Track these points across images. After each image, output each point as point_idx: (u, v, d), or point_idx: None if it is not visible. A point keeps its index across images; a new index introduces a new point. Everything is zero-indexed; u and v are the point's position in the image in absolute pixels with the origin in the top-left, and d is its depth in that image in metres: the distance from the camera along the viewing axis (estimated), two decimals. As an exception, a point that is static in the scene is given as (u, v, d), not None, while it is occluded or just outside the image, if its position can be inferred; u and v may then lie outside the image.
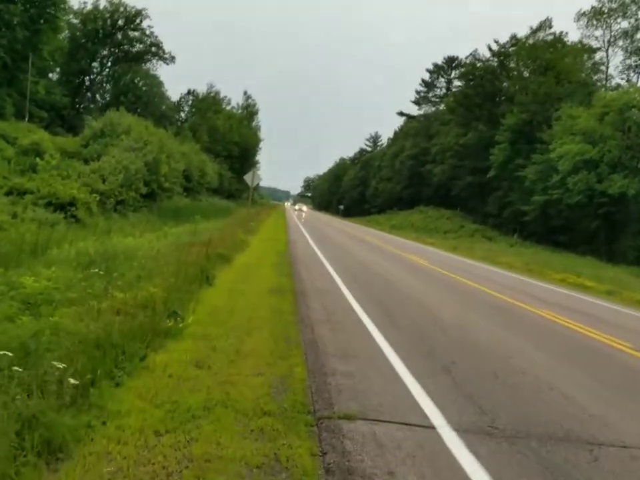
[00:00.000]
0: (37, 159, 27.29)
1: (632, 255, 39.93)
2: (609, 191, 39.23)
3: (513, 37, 62.11)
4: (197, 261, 10.95)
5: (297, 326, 7.49)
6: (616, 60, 51.38)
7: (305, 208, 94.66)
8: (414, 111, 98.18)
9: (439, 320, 9.21)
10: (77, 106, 66.29)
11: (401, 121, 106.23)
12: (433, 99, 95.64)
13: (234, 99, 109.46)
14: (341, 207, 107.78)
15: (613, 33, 49.52)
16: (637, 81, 46.71)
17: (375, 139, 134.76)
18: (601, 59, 52.99)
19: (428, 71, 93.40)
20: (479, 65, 65.11)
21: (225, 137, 76.60)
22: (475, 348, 7.54)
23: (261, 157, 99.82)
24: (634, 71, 48.92)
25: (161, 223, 28.93)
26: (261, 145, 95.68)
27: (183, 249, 13.68)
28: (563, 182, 43.30)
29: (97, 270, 8.27)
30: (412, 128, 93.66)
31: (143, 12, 68.56)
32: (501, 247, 42.73)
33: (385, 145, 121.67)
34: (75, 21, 66.00)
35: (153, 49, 71.90)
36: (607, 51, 50.66)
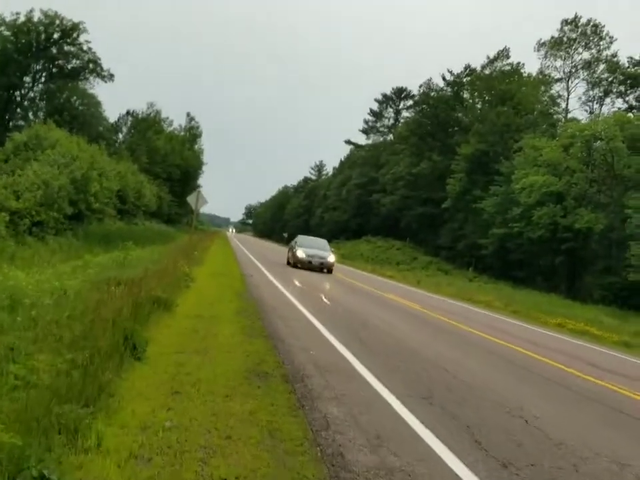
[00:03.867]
0: None
1: (597, 294, 37.86)
2: (575, 225, 37.22)
3: (468, 67, 60.99)
4: (120, 313, 6.94)
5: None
6: (578, 91, 50.38)
7: (331, 258, 28.74)
8: (361, 140, 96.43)
9: (538, 432, 5.41)
10: (7, 123, 60.86)
11: (346, 149, 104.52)
12: (382, 129, 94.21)
13: (176, 120, 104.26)
14: (285, 235, 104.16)
15: (574, 64, 48.55)
16: (600, 112, 45.49)
17: (319, 168, 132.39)
18: (557, 92, 52.06)
19: (376, 100, 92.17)
20: (432, 94, 63.47)
21: (166, 158, 72.00)
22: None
23: (203, 180, 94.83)
24: (597, 102, 47.93)
25: (87, 250, 24.75)
26: (204, 168, 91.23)
27: (104, 288, 9.68)
28: (524, 215, 41.34)
29: None
30: (359, 157, 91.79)
31: (81, 26, 63.99)
32: (463, 282, 39.94)
33: (329, 173, 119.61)
34: (7, 33, 60.77)
35: (91, 65, 67.32)
36: (567, 81, 49.61)
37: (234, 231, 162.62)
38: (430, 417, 5.42)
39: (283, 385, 5.73)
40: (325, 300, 15.04)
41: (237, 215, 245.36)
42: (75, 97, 65.84)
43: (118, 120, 77.66)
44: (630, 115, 40.97)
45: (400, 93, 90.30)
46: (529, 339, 14.17)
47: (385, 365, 7.72)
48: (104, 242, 28.29)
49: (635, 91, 44.46)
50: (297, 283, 19.77)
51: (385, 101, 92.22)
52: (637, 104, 44.39)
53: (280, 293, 15.53)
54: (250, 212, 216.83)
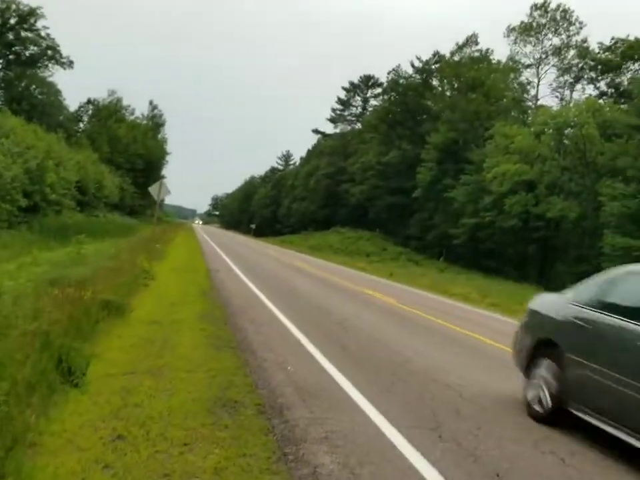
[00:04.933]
0: None
1: (570, 283, 37.59)
2: (547, 214, 36.82)
3: (436, 54, 60.22)
4: (57, 325, 5.71)
5: None
6: (548, 77, 49.85)
7: None
8: (329, 129, 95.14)
9: (573, 472, 4.38)
10: (-37, 113, 57.89)
11: (314, 139, 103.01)
12: (350, 118, 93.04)
13: (138, 108, 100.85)
14: (253, 226, 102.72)
15: (544, 50, 48.08)
16: (571, 99, 45.17)
17: (286, 158, 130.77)
18: (527, 79, 51.59)
19: (344, 89, 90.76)
20: (401, 81, 62.58)
21: (128, 148, 69.74)
22: None
23: (168, 171, 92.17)
24: (568, 89, 47.60)
25: (42, 244, 23.31)
26: (168, 158, 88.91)
27: (47, 291, 8.39)
28: (495, 204, 40.84)
29: None
30: (327, 146, 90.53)
31: (38, 11, 61.11)
32: (435, 273, 39.17)
33: (297, 163, 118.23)
34: (-38, 19, 57.84)
35: (49, 52, 64.53)
36: (537, 68, 49.14)
37: (200, 222, 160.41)
38: (446, 462, 4.22)
39: (258, 421, 4.54)
40: (295, 296, 13.86)
41: (203, 206, 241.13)
42: (33, 85, 63.17)
43: (79, 109, 75.10)
44: (601, 101, 40.69)
45: (368, 81, 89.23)
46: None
47: (376, 381, 6.56)
48: (61, 235, 26.77)
49: (606, 77, 44.17)
50: (264, 276, 18.62)
51: (353, 89, 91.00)
52: (608, 90, 44.13)
53: (246, 288, 14.40)
54: (217, 203, 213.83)
